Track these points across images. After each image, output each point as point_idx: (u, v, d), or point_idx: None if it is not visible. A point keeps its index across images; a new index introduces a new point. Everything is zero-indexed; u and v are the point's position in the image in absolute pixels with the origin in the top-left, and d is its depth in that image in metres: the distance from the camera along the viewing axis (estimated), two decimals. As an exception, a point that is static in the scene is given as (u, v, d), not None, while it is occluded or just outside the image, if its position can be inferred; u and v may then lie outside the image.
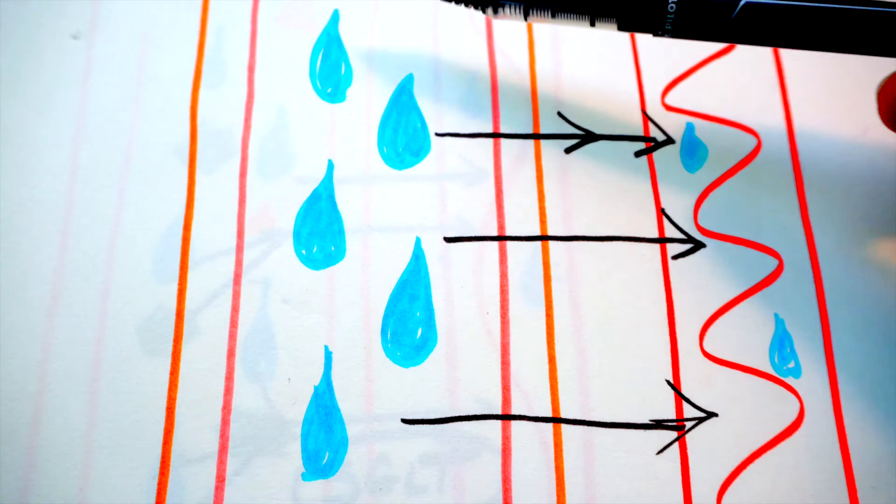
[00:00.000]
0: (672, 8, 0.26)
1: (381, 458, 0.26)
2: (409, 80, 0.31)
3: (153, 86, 0.30)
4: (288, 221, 0.29)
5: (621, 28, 0.27)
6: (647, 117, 0.31)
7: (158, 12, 0.32)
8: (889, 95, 0.26)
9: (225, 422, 0.26)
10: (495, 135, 0.30)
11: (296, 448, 0.26)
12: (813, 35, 0.25)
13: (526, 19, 0.27)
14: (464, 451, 0.26)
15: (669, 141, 0.30)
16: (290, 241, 0.28)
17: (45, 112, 0.30)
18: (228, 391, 0.27)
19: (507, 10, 0.27)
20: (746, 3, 0.25)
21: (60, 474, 0.25)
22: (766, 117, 0.31)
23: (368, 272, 0.28)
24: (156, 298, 0.27)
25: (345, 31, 0.32)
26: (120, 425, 0.26)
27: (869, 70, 0.31)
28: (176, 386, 0.26)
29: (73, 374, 0.26)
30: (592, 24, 0.27)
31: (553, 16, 0.27)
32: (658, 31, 0.26)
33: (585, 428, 0.26)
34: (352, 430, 0.26)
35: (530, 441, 0.26)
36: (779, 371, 0.27)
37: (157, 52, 0.31)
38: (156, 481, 0.25)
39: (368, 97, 0.31)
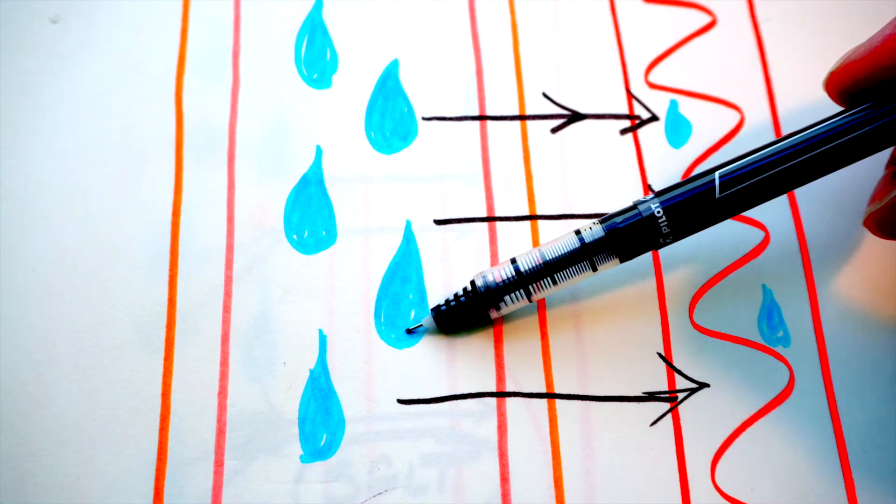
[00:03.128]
0: (663, 221, 0.25)
1: (381, 458, 0.26)
2: (394, 65, 0.31)
3: (136, 72, 0.30)
4: (278, 208, 0.29)
5: (624, 260, 0.26)
6: (631, 96, 0.31)
7: (140, -3, 0.31)
8: (837, 82, 0.26)
9: (221, 407, 0.26)
10: (482, 117, 0.30)
11: (295, 447, 0.26)
12: (792, 178, 0.25)
13: (530, 300, 0.26)
14: (464, 452, 0.26)
15: (654, 118, 0.31)
16: (281, 226, 0.28)
17: (25, 98, 0.30)
18: (224, 376, 0.27)
19: (509, 302, 0.26)
20: (721, 177, 0.25)
21: (57, 464, 0.25)
22: (748, 92, 0.31)
23: (360, 256, 0.28)
24: (148, 287, 0.27)
25: (329, 17, 0.32)
26: (115, 413, 0.26)
27: (848, 43, 0.31)
28: (170, 372, 0.26)
29: (68, 364, 0.26)
30: (594, 270, 0.26)
31: (555, 283, 0.26)
32: (661, 244, 0.26)
33: (580, 402, 0.27)
34: (348, 412, 0.26)
35: (526, 418, 0.26)
36: (768, 341, 0.28)
37: (139, 37, 0.31)
38: (153, 467, 0.25)
39: (354, 83, 0.31)
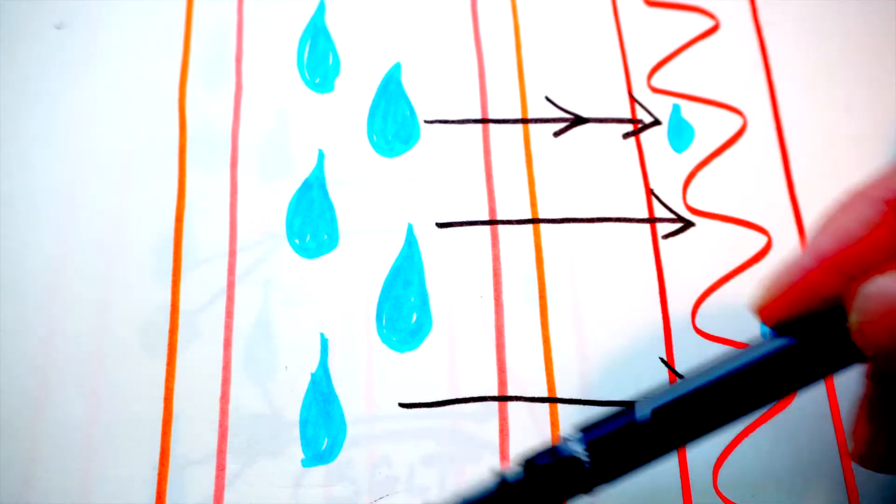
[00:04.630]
0: (587, 461, 0.21)
1: (382, 459, 0.26)
2: (396, 68, 0.31)
3: (139, 77, 0.30)
4: (280, 211, 0.29)
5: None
6: (633, 100, 0.31)
7: (143, 2, 0.31)
8: (863, 463, 0.23)
9: (223, 410, 0.26)
10: (484, 120, 0.30)
11: (296, 451, 0.26)
12: (724, 416, 0.21)
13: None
14: (464, 453, 0.26)
15: (656, 122, 0.31)
16: (283, 230, 0.28)
17: (28, 104, 0.30)
18: (226, 381, 0.27)
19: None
20: (653, 410, 0.21)
21: (61, 467, 0.25)
22: (751, 96, 0.31)
23: (362, 259, 0.28)
24: (151, 292, 0.27)
25: (331, 21, 0.32)
26: (119, 417, 0.26)
27: (852, 48, 0.31)
28: (173, 377, 0.27)
29: (70, 368, 0.26)
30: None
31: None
32: (584, 490, 0.21)
33: (581, 408, 0.27)
34: (350, 416, 0.26)
35: (527, 422, 0.26)
36: (771, 345, 0.28)
37: (142, 42, 0.31)
38: (155, 470, 0.25)
39: (357, 86, 0.31)
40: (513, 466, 0.21)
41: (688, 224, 0.29)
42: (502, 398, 0.27)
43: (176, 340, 0.27)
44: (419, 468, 0.26)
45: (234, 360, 0.27)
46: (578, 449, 0.21)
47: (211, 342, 0.27)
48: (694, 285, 0.28)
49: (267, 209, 0.29)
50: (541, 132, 0.30)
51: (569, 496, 0.21)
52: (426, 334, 0.27)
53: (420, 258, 0.28)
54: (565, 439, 0.21)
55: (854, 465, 0.26)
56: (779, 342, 0.21)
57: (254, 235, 0.28)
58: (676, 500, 0.26)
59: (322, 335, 0.27)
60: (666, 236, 0.29)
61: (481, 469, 0.26)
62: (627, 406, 0.21)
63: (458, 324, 0.28)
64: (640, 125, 0.30)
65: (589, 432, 0.21)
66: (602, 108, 0.31)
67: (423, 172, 0.30)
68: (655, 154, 0.30)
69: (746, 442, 0.26)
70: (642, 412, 0.21)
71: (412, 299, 0.28)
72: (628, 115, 0.31)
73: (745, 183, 0.30)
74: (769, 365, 0.21)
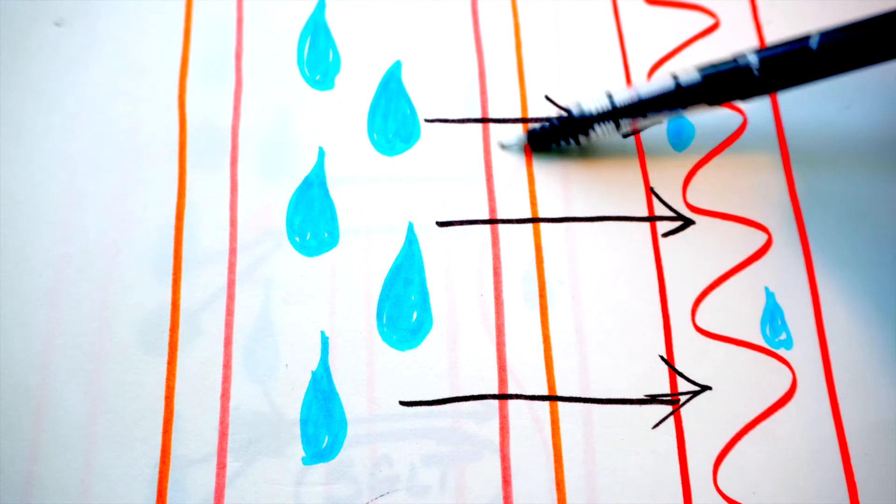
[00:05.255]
0: (756, 69, 0.27)
1: (382, 459, 0.26)
2: (397, 66, 0.31)
3: (139, 75, 0.30)
4: (280, 210, 0.29)
5: (712, 104, 0.28)
6: (633, 98, 0.31)
7: None
8: None
9: (224, 409, 0.26)
10: (484, 119, 0.30)
11: (297, 449, 0.26)
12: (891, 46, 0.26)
13: (619, 131, 0.29)
14: (465, 452, 0.26)
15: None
16: (284, 229, 0.28)
17: (28, 101, 0.30)
18: (227, 380, 0.27)
19: (598, 131, 0.29)
20: (822, 35, 0.26)
21: (62, 466, 0.25)
22: (750, 95, 0.31)
23: (362, 257, 0.28)
24: (151, 290, 0.27)
25: (332, 19, 0.32)
26: (120, 416, 0.26)
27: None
28: (174, 376, 0.27)
29: (72, 367, 0.26)
30: (685, 108, 0.28)
31: (645, 117, 0.28)
32: (749, 95, 0.27)
33: (582, 405, 0.27)
34: (350, 414, 0.26)
35: (528, 420, 0.26)
36: (770, 343, 0.28)
37: (142, 40, 0.31)
38: (156, 469, 0.26)
39: (357, 84, 0.31)
40: (689, 71, 0.27)
41: (688, 222, 0.29)
42: (502, 396, 0.27)
43: (177, 339, 0.27)
44: (420, 466, 0.26)
45: (235, 358, 0.27)
46: (753, 61, 0.26)
47: (211, 341, 0.27)
48: (694, 284, 0.28)
49: (267, 207, 0.29)
50: (541, 130, 0.30)
51: (732, 98, 0.27)
52: (427, 333, 0.27)
53: (420, 257, 0.28)
54: (742, 54, 0.27)
55: (854, 463, 0.26)
56: None
57: (254, 234, 0.28)
58: (677, 498, 0.26)
59: (323, 333, 0.27)
60: (666, 235, 0.29)
61: (482, 468, 0.26)
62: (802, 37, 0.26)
63: (458, 322, 0.28)
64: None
65: (763, 51, 0.27)
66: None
67: (423, 171, 0.30)
68: (656, 152, 0.30)
69: (746, 440, 0.26)
70: (813, 41, 0.26)
71: (413, 298, 0.28)
72: (628, 114, 0.31)
73: (745, 182, 0.30)
74: None
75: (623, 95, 0.28)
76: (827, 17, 0.32)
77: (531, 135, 0.29)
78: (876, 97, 0.30)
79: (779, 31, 0.32)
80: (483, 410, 0.27)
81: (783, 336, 0.28)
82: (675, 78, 0.27)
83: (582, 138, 0.29)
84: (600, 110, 0.28)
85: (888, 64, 0.26)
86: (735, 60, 0.27)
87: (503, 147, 0.29)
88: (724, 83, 0.27)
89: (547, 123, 0.29)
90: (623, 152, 0.30)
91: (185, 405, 0.26)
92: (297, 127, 0.30)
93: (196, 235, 0.28)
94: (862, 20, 0.26)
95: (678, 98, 0.27)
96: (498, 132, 0.30)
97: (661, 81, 0.28)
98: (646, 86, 0.28)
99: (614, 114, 0.28)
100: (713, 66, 0.27)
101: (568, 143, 0.29)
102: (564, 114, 0.29)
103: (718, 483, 0.26)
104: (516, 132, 0.30)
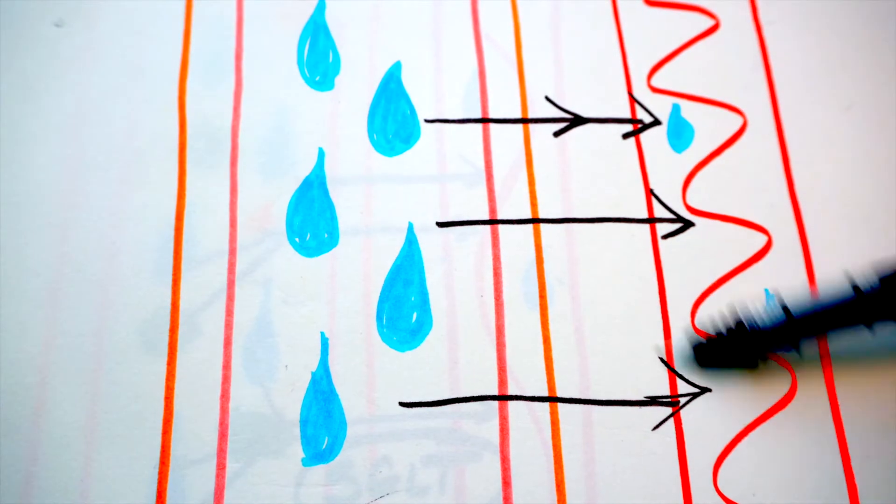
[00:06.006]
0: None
1: (382, 459, 0.26)
2: (396, 67, 0.31)
3: (139, 75, 0.30)
4: (280, 210, 0.29)
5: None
6: (633, 100, 0.31)
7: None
8: None
9: (223, 409, 0.26)
10: (484, 120, 0.30)
11: (297, 450, 0.26)
12: None
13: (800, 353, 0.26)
14: (465, 452, 0.26)
15: (656, 122, 0.31)
16: (283, 229, 0.28)
17: (29, 102, 0.30)
18: (226, 380, 0.27)
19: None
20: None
21: (62, 466, 0.25)
22: (751, 96, 0.31)
23: (362, 258, 0.28)
24: (151, 290, 0.27)
25: (331, 19, 0.32)
26: (120, 416, 0.26)
27: (852, 48, 0.31)
28: (173, 377, 0.26)
29: (71, 367, 0.26)
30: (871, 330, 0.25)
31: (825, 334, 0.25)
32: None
33: (582, 406, 0.27)
34: (350, 415, 0.26)
35: (527, 421, 0.26)
36: (770, 345, 0.28)
37: (142, 40, 0.31)
38: (156, 469, 0.25)
39: (357, 85, 0.31)
40: (868, 276, 0.24)
41: (687, 224, 0.29)
42: (502, 397, 0.27)
43: (176, 340, 0.27)
44: (419, 467, 0.26)
45: (235, 359, 0.27)
46: None
47: (211, 341, 0.27)
48: (694, 285, 0.28)
49: (267, 207, 0.29)
50: (540, 132, 0.30)
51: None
52: (426, 333, 0.27)
53: (420, 257, 0.28)
54: None
55: (854, 465, 0.26)
56: None
57: (254, 234, 0.28)
58: (677, 499, 0.26)
59: (322, 334, 0.27)
60: (666, 236, 0.29)
61: (482, 468, 0.26)
62: None
63: (458, 323, 0.28)
64: (640, 125, 0.30)
65: None
66: (602, 107, 0.31)
67: (423, 171, 0.30)
68: (655, 154, 0.30)
69: (746, 441, 0.26)
70: None
71: (412, 298, 0.28)
72: (628, 115, 0.31)
73: (745, 183, 0.30)
74: None
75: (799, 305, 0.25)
76: (827, 17, 0.32)
77: (696, 349, 0.26)
78: (876, 98, 0.31)
79: (779, 32, 0.32)
80: (483, 411, 0.26)
81: (783, 338, 0.28)
82: (854, 283, 0.24)
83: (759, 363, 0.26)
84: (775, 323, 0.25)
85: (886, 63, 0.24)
86: None
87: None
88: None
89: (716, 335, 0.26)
90: (623, 154, 0.30)
91: (185, 406, 0.26)
92: (297, 127, 0.30)
93: (196, 235, 0.28)
94: None
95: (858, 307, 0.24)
96: (499, 135, 0.30)
97: (836, 288, 0.25)
98: (822, 295, 0.25)
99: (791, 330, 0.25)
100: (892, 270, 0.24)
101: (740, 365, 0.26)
102: (732, 325, 0.26)
103: (718, 485, 0.26)
104: (686, 348, 0.27)
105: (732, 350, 0.26)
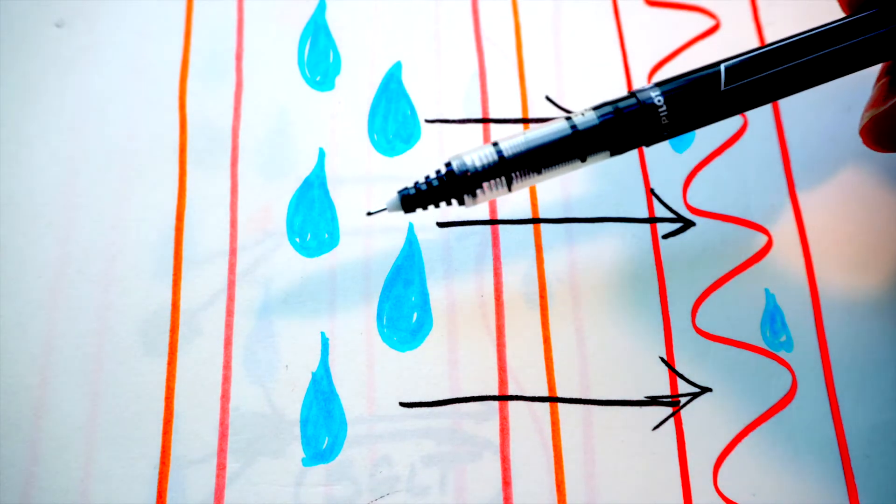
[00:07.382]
0: (663, 110, 0.23)
1: (382, 459, 0.26)
2: (397, 67, 0.31)
3: (140, 75, 0.30)
4: (281, 210, 0.29)
5: (615, 154, 0.24)
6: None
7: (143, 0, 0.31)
8: (874, 132, 0.25)
9: (224, 409, 0.26)
10: (484, 120, 0.30)
11: (297, 450, 0.26)
12: (801, 76, 0.24)
13: (510, 189, 0.24)
14: (465, 452, 0.26)
15: (657, 122, 0.30)
16: (284, 229, 0.28)
17: (30, 103, 0.30)
18: (227, 380, 0.27)
19: (486, 190, 0.24)
20: (727, 68, 0.24)
21: (62, 467, 0.25)
22: (751, 96, 0.31)
23: (362, 258, 0.28)
24: (152, 291, 0.27)
25: (332, 19, 0.32)
26: (120, 416, 0.26)
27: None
28: (174, 376, 0.27)
29: (73, 367, 0.26)
30: (583, 161, 0.24)
31: (539, 172, 0.24)
32: (658, 137, 0.24)
33: (582, 406, 0.27)
34: (350, 415, 0.26)
35: (528, 421, 0.26)
36: (771, 345, 0.28)
37: (143, 40, 0.31)
38: (156, 469, 0.26)
39: (357, 85, 0.31)
40: (586, 112, 0.24)
41: (688, 224, 0.29)
42: (502, 398, 0.27)
43: (177, 340, 0.27)
44: (419, 467, 0.26)
45: (235, 359, 0.27)
46: (656, 99, 0.23)
47: (211, 341, 0.27)
48: (694, 285, 0.28)
49: (267, 208, 0.29)
50: (541, 131, 0.30)
51: (635, 146, 0.24)
52: (427, 334, 0.27)
53: (421, 257, 0.28)
54: (641, 90, 0.23)
55: (854, 465, 0.26)
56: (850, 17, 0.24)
57: (254, 234, 0.28)
58: (677, 499, 0.26)
59: (323, 334, 0.27)
60: (666, 236, 0.29)
61: (482, 468, 0.26)
62: (704, 67, 0.24)
63: (458, 323, 0.28)
64: (640, 125, 0.30)
65: (666, 87, 0.24)
66: (602, 107, 0.31)
67: (423, 171, 0.29)
68: (656, 154, 0.30)
69: (747, 441, 0.26)
70: (718, 70, 0.24)
71: (413, 298, 0.28)
72: (629, 115, 0.31)
73: (745, 183, 0.30)
74: (846, 32, 0.24)
75: (513, 144, 0.24)
76: (827, 18, 0.32)
77: (404, 198, 0.24)
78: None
79: (780, 32, 0.32)
80: (483, 411, 0.27)
81: (783, 338, 0.28)
82: (570, 120, 0.24)
83: (468, 199, 0.24)
84: (487, 164, 0.23)
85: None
86: (635, 97, 0.24)
87: (369, 215, 0.27)
88: (625, 125, 0.23)
89: (423, 184, 0.24)
90: (624, 154, 0.30)
91: (185, 406, 0.26)
92: (298, 127, 0.30)
93: (196, 236, 0.28)
94: (770, 48, 0.24)
95: (575, 144, 0.23)
96: (499, 135, 0.30)
97: (555, 126, 0.24)
98: (537, 132, 0.24)
99: (503, 168, 0.23)
100: (611, 104, 0.24)
101: (449, 203, 0.24)
102: (442, 170, 0.24)
103: (719, 485, 0.26)
104: (390, 197, 0.25)
105: (440, 193, 0.24)
